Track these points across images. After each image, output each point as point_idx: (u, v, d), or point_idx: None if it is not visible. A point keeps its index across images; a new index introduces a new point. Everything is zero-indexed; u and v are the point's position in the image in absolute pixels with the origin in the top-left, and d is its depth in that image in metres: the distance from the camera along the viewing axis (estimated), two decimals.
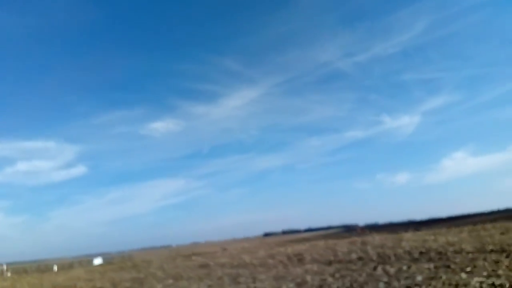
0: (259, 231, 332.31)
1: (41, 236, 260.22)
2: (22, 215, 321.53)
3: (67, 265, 62.00)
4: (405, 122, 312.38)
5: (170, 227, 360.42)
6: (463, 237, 18.83)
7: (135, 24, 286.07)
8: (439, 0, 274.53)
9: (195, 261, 25.96)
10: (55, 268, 51.77)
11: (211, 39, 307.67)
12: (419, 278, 9.89)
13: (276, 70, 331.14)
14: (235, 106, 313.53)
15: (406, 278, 10.18)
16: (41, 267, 61.08)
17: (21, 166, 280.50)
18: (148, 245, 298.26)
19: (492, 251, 13.15)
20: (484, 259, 11.51)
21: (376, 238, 26.04)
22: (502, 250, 12.84)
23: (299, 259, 17.96)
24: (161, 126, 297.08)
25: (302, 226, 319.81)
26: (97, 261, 56.42)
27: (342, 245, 22.20)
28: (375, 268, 12.40)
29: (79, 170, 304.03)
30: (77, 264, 61.73)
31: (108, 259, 58.42)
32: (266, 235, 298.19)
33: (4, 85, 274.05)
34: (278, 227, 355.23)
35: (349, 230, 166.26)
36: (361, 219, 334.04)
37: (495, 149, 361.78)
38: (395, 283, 9.73)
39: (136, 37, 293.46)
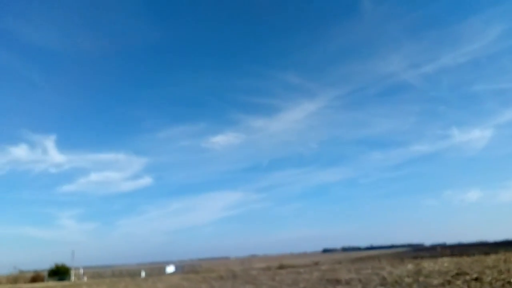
0: (318, 246, 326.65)
1: (109, 242, 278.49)
2: (93, 222, 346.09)
3: (138, 272, 66.72)
4: (476, 136, 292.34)
5: (228, 239, 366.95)
6: None
7: (198, 40, 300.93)
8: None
9: (294, 273, 27.12)
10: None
11: (271, 53, 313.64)
12: None
13: (337, 82, 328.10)
14: (295, 119, 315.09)
15: None
16: (116, 273, 66.12)
17: (94, 176, 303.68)
18: (206, 256, 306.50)
19: None
20: None
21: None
22: None
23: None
24: (222, 140, 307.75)
25: (363, 243, 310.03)
26: (170, 269, 60.14)
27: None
28: None
29: (146, 181, 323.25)
30: (148, 270, 65.88)
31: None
32: (325, 251, 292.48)
33: (78, 100, 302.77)
34: (337, 244, 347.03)
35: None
36: (427, 239, 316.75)
37: None
38: None
39: (200, 54, 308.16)
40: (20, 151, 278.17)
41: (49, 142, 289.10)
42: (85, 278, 58.99)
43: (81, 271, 60.95)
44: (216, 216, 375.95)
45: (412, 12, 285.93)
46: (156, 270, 64.68)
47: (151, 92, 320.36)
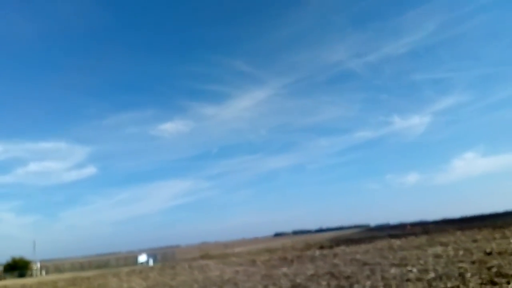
0: (270, 231, 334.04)
1: (52, 236, 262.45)
2: (33, 215, 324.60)
3: (103, 264, 62.32)
4: (415, 123, 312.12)
5: (178, 227, 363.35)
6: None
7: (145, 27, 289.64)
8: (449, 0, 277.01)
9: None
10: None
11: (221, 41, 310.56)
12: None
13: (286, 71, 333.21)
14: (245, 107, 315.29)
15: None
16: (76, 266, 60.99)
17: (33, 166, 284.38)
18: (157, 245, 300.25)
19: None
20: None
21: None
22: None
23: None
24: (170, 127, 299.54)
25: (313, 226, 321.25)
26: (142, 258, 57.04)
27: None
28: None
29: (90, 170, 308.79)
30: (124, 260, 61.40)
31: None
32: (277, 235, 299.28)
33: (16, 87, 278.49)
34: (288, 228, 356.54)
35: (371, 229, 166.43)
36: (372, 220, 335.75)
37: (506, 150, 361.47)
38: None
39: (147, 40, 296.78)
40: None
41: None
42: (43, 273, 53.78)
43: (38, 265, 55.39)
44: (166, 205, 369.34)
45: (357, 4, 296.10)
46: (123, 260, 60.99)
47: (95, 78, 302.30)
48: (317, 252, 27.96)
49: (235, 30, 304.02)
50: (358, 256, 20.76)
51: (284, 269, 18.09)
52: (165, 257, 59.40)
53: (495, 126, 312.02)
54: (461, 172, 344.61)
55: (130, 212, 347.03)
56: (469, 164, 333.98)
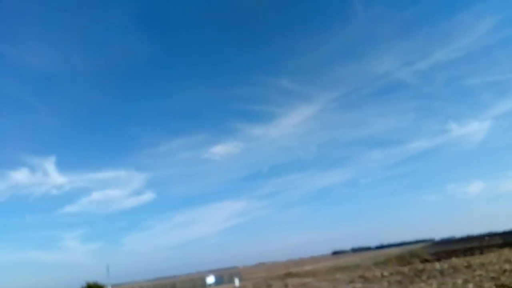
0: (327, 249, 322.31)
1: (114, 261, 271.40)
2: (97, 241, 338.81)
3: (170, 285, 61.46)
4: (474, 129, 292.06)
5: (234, 248, 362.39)
6: None
7: (191, 53, 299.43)
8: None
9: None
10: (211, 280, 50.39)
11: (266, 61, 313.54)
12: None
13: (332, 85, 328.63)
14: (293, 124, 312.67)
15: None
16: None
17: (96, 195, 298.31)
18: (215, 267, 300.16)
19: None
20: None
21: None
22: None
23: None
24: (221, 150, 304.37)
25: (373, 243, 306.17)
26: (210, 279, 55.16)
27: None
28: None
29: (148, 196, 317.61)
30: (183, 284, 60.69)
31: (219, 278, 57.05)
32: (335, 253, 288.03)
33: (76, 119, 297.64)
34: (346, 245, 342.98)
35: (441, 243, 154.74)
36: (436, 233, 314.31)
37: None
38: None
39: (194, 66, 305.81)
40: (20, 175, 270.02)
41: (49, 164, 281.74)
42: None
43: None
44: (220, 226, 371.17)
45: (402, 11, 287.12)
46: (191, 282, 59.52)
47: (147, 107, 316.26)
48: (438, 265, 23.67)
49: (279, 48, 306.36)
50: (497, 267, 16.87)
51: (422, 285, 14.61)
52: (231, 278, 57.20)
53: None
54: None
55: (186, 235, 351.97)
56: None
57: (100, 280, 56.89)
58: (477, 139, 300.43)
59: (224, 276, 57.87)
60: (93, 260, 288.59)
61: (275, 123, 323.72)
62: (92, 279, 57.50)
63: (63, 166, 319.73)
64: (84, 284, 54.38)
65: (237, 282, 49.46)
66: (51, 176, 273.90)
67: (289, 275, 43.86)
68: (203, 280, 55.74)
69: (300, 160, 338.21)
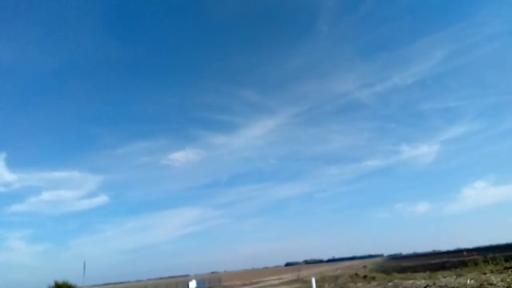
0: (280, 261, 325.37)
1: (62, 264, 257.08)
2: (44, 243, 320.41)
3: None
4: (424, 151, 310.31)
5: (188, 256, 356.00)
6: None
7: (157, 58, 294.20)
8: (457, 30, 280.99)
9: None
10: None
11: (231, 71, 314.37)
12: None
13: (295, 100, 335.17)
14: (254, 136, 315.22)
15: None
16: None
17: (46, 195, 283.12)
18: (167, 275, 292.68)
19: None
20: None
21: None
22: None
23: None
24: (181, 156, 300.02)
25: (325, 256, 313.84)
26: (192, 284, 54.12)
27: None
28: None
29: (101, 199, 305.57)
30: (173, 286, 58.46)
31: (201, 283, 56.22)
32: (288, 264, 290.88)
33: (30, 118, 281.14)
34: (299, 257, 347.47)
35: (395, 258, 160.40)
36: (385, 250, 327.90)
37: None
38: None
39: (159, 71, 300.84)
40: None
41: None
42: None
43: None
44: (175, 233, 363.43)
45: (365, 35, 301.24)
46: (174, 286, 58.05)
47: (108, 109, 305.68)
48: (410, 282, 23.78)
49: (245, 60, 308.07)
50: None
51: None
52: (211, 284, 56.67)
53: (506, 154, 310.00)
54: (471, 201, 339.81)
55: (139, 241, 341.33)
56: (480, 193, 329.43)
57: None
58: (425, 162, 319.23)
59: (205, 281, 57.32)
60: (39, 262, 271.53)
61: (237, 134, 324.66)
62: (36, 281, 53.64)
63: (13, 163, 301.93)
64: (52, 283, 51.27)
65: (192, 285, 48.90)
66: None
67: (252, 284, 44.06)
68: (185, 284, 54.68)
69: (259, 172, 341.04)
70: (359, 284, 20.34)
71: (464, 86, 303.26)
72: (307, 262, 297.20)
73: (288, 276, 75.57)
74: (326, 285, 24.75)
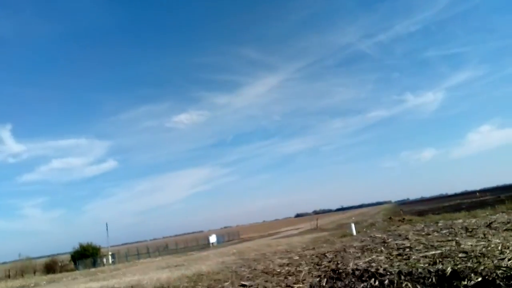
0: (290, 213, 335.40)
1: (77, 228, 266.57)
2: (58, 209, 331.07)
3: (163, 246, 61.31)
4: (429, 99, 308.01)
5: (200, 214, 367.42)
6: None
7: (156, 22, 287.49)
8: None
9: None
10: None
11: (230, 30, 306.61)
12: None
13: (297, 55, 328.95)
14: (257, 93, 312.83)
15: None
16: (134, 252, 59.30)
17: (56, 163, 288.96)
18: (181, 232, 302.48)
19: None
20: None
21: None
22: None
23: None
24: (185, 118, 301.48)
25: (333, 206, 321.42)
26: (212, 238, 56.10)
27: None
28: None
29: (110, 164, 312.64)
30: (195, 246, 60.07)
31: (220, 238, 58.52)
32: (298, 215, 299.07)
33: (35, 86, 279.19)
34: (308, 208, 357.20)
35: (404, 203, 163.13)
36: (393, 197, 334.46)
37: None
38: None
39: (158, 33, 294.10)
40: None
41: (5, 132, 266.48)
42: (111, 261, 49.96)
43: (110, 252, 52.59)
44: (186, 193, 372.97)
45: None
46: (194, 241, 60.48)
47: (110, 74, 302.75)
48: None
49: (243, 17, 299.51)
50: None
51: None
52: (230, 237, 58.95)
53: (510, 98, 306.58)
54: (477, 145, 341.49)
55: (150, 202, 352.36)
56: (485, 137, 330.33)
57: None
58: (430, 109, 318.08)
59: (224, 235, 59.86)
60: (55, 228, 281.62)
61: (240, 92, 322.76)
62: (55, 246, 55.35)
63: (20, 134, 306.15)
64: (77, 245, 53.17)
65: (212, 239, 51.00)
66: (7, 144, 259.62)
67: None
68: (205, 239, 56.90)
69: (264, 129, 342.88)
70: (406, 226, 20.71)
71: (468, 31, 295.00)
72: (316, 212, 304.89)
73: (304, 226, 77.71)
74: (366, 229, 24.96)
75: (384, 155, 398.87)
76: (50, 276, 43.14)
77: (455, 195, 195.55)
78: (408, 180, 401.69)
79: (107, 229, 53.88)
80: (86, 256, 50.50)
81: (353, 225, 24.06)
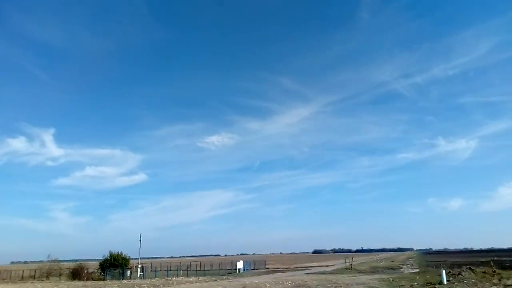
0: (308, 248, 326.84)
1: (100, 236, 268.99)
2: (86, 216, 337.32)
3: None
4: (461, 146, 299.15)
5: (218, 237, 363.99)
6: None
7: (198, 43, 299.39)
8: (504, 21, 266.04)
9: None
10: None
11: (269, 59, 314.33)
12: None
13: (331, 89, 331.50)
14: (288, 123, 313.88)
15: None
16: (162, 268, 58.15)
17: (89, 171, 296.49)
18: (197, 253, 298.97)
19: None
20: None
21: None
22: None
23: None
24: (217, 140, 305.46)
25: (353, 246, 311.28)
26: (240, 264, 54.32)
27: None
28: None
29: (140, 177, 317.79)
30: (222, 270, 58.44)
31: (247, 264, 56.88)
32: (316, 252, 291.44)
33: (80, 96, 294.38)
34: (327, 246, 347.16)
35: (428, 253, 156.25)
36: (414, 245, 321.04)
37: None
38: None
39: (199, 56, 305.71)
40: (18, 143, 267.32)
41: (48, 136, 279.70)
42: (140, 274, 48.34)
43: (140, 265, 51.32)
44: (208, 214, 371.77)
45: (406, 24, 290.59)
46: (226, 264, 59.07)
47: (150, 91, 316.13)
48: None
49: (283, 48, 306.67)
50: None
51: None
52: (256, 265, 57.18)
53: None
54: (508, 200, 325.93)
55: (174, 219, 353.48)
56: None
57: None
58: (462, 157, 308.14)
59: (251, 262, 58.17)
60: (79, 233, 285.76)
61: (271, 120, 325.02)
62: (78, 251, 54.20)
63: (61, 139, 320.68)
64: (107, 254, 52.37)
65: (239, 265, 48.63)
66: (48, 147, 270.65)
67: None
68: (233, 264, 55.49)
69: (291, 159, 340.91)
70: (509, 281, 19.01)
71: (508, 81, 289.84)
72: (335, 251, 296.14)
73: (334, 263, 74.76)
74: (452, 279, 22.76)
75: (409, 199, 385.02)
76: (81, 283, 42.43)
77: (481, 251, 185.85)
78: (431, 229, 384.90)
79: (140, 240, 53.02)
80: (115, 265, 49.65)
81: (444, 273, 21.65)
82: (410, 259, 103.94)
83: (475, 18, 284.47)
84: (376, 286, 20.57)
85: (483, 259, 70.19)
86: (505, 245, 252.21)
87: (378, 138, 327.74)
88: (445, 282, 20.34)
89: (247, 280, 31.32)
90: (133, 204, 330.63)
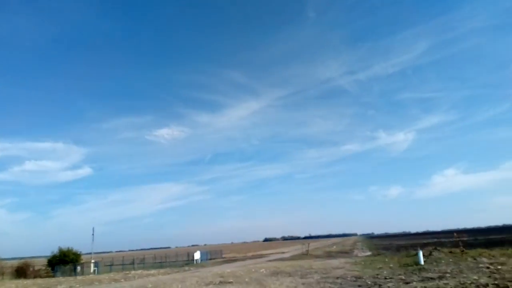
0: (259, 236, 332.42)
1: (42, 233, 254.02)
2: (26, 212, 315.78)
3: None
4: (399, 139, 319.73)
5: (169, 230, 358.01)
6: None
7: (145, 35, 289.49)
8: (439, 23, 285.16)
9: None
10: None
11: (218, 52, 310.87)
12: None
13: (280, 83, 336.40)
14: (239, 116, 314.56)
15: None
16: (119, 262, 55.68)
17: (29, 165, 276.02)
18: (148, 246, 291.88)
19: None
20: None
21: None
22: None
23: None
24: (166, 133, 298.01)
25: (301, 233, 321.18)
26: (197, 255, 53.56)
27: None
28: None
29: (85, 171, 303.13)
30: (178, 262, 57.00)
31: (204, 254, 56.28)
32: (267, 240, 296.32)
33: (17, 88, 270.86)
34: (278, 234, 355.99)
35: (370, 237, 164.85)
36: (357, 230, 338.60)
37: (486, 168, 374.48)
38: None
39: (147, 48, 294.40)
40: None
41: None
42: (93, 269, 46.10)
43: (93, 260, 48.69)
44: (157, 207, 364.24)
45: (351, 24, 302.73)
46: (183, 255, 57.94)
47: (96, 83, 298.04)
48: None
49: (233, 41, 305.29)
50: None
51: None
52: (213, 255, 56.88)
53: (477, 144, 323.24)
54: (441, 188, 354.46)
55: (122, 213, 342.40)
56: (449, 180, 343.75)
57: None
58: (400, 149, 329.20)
59: (208, 253, 57.60)
60: (20, 230, 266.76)
61: (222, 113, 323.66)
62: (22, 248, 51.20)
63: None
64: (56, 250, 49.44)
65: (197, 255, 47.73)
66: None
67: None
68: (190, 255, 54.65)
69: (242, 151, 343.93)
70: (484, 259, 20.08)
71: (442, 78, 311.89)
72: (285, 238, 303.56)
73: (288, 250, 76.40)
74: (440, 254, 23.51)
75: (353, 188, 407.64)
76: (30, 281, 39.67)
77: (418, 234, 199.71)
78: (373, 215, 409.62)
79: (93, 234, 50.56)
80: (65, 262, 46.93)
81: (421, 253, 21.66)
82: (358, 243, 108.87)
83: (413, 20, 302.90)
84: (356, 269, 21.12)
85: (425, 241, 75.42)
86: (438, 228, 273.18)
87: (324, 131, 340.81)
88: (422, 262, 20.88)
89: (215, 269, 30.98)
90: (78, 199, 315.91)
